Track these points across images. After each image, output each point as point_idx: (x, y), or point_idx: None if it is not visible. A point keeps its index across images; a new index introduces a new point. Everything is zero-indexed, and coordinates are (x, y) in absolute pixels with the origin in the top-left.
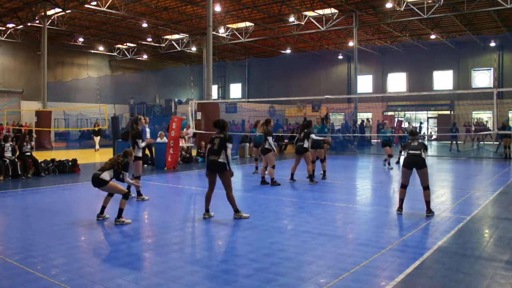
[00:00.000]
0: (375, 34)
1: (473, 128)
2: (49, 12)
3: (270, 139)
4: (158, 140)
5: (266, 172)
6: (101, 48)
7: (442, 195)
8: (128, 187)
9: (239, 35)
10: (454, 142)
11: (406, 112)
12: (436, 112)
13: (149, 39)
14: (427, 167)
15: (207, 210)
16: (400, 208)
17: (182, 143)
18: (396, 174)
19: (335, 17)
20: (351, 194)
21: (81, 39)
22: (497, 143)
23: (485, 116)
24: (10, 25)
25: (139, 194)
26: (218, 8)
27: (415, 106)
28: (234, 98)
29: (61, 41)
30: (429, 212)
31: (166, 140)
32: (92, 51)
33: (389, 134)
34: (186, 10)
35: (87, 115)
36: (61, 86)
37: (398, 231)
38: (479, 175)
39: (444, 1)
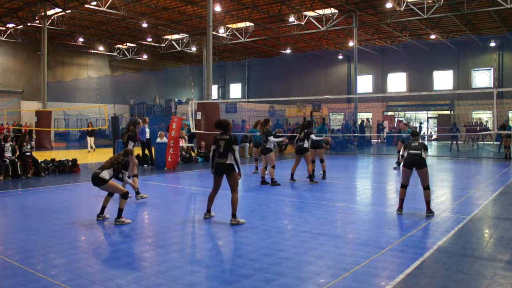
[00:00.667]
0: (375, 34)
1: (477, 128)
2: (49, 12)
3: (271, 138)
4: (158, 140)
5: (266, 172)
6: (101, 48)
7: (442, 195)
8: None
9: (239, 35)
10: (454, 142)
11: (406, 112)
12: (436, 112)
13: (149, 39)
14: (427, 167)
15: (208, 210)
16: (400, 208)
17: (182, 143)
18: (396, 174)
19: (335, 17)
20: (351, 194)
21: (81, 39)
22: (498, 143)
23: (485, 116)
24: (10, 25)
25: (137, 193)
26: (218, 8)
27: (415, 106)
28: (234, 98)
29: (61, 41)
30: (429, 212)
31: (166, 140)
32: (92, 51)
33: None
34: (186, 10)
35: (87, 115)
36: (61, 86)
37: (398, 231)
38: (479, 175)
39: (444, 1)
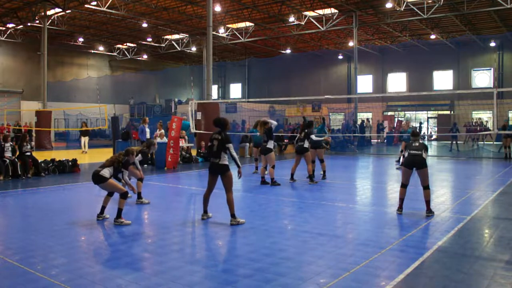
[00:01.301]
0: (375, 34)
1: (477, 128)
2: (49, 12)
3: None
4: (158, 140)
5: (266, 172)
6: (101, 48)
7: (442, 195)
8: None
9: (239, 35)
10: (454, 142)
11: (406, 112)
12: (436, 112)
13: (149, 39)
14: (427, 167)
15: (205, 211)
16: (400, 208)
17: (182, 143)
18: (396, 174)
19: (335, 17)
20: (351, 194)
21: (81, 39)
22: (498, 143)
23: (485, 116)
24: (10, 25)
25: (139, 197)
26: (218, 8)
27: (415, 106)
28: (234, 98)
29: (61, 41)
30: (429, 212)
31: (166, 140)
32: (92, 51)
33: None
34: (186, 10)
35: (87, 115)
36: (61, 86)
37: (398, 231)
38: (479, 175)
39: (444, 1)
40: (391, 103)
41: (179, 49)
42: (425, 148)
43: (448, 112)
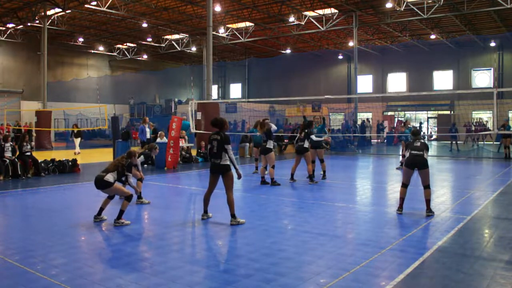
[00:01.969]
0: (375, 34)
1: (473, 128)
2: (49, 12)
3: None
4: (158, 140)
5: (266, 172)
6: (101, 48)
7: (442, 195)
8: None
9: (239, 35)
10: (454, 142)
11: (406, 112)
12: (436, 112)
13: (149, 39)
14: (428, 168)
15: (205, 211)
16: (400, 207)
17: (182, 143)
18: (396, 174)
19: (335, 17)
20: (351, 194)
21: (81, 39)
22: (498, 143)
23: (485, 116)
24: (10, 25)
25: (139, 197)
26: (218, 8)
27: (415, 106)
28: (234, 98)
29: (61, 41)
30: (429, 212)
31: (166, 140)
32: (92, 51)
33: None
34: (186, 10)
35: (87, 115)
36: (61, 86)
37: (398, 231)
38: (479, 175)
39: (444, 1)
40: (391, 103)
41: (179, 49)
42: (427, 148)
43: (448, 112)
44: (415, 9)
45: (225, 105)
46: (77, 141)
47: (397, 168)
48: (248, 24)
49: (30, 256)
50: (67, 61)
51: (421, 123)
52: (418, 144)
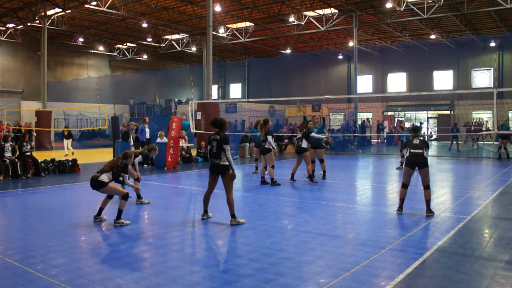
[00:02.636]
0: (375, 34)
1: (473, 128)
2: (49, 12)
3: (269, 137)
4: (158, 140)
5: (266, 172)
6: (101, 48)
7: (442, 195)
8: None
9: (239, 35)
10: (454, 142)
11: (406, 112)
12: (436, 112)
13: (149, 39)
14: (428, 167)
15: (205, 211)
16: (400, 208)
17: (182, 143)
18: (396, 174)
19: (335, 17)
20: (351, 194)
21: (81, 39)
22: (497, 143)
23: (485, 116)
24: (10, 25)
25: (138, 197)
26: (218, 8)
27: (415, 106)
28: (234, 98)
29: (61, 41)
30: (429, 212)
31: (166, 140)
32: (92, 51)
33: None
34: (186, 10)
35: (87, 115)
36: (61, 86)
37: (398, 231)
38: (479, 175)
39: (444, 1)
40: (391, 103)
41: (179, 49)
42: (426, 145)
43: (448, 112)
44: (415, 9)
45: (225, 105)
46: (68, 142)
47: (397, 168)
48: (248, 24)
49: (30, 256)
50: (67, 61)
51: (421, 123)
52: (417, 142)
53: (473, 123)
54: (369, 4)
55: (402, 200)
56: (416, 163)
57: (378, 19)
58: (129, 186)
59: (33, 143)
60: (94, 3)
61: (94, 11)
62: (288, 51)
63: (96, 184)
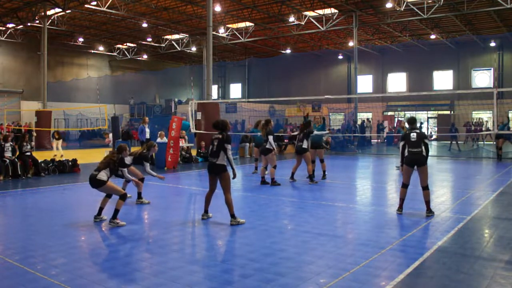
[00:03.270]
0: (375, 34)
1: (473, 128)
2: (49, 12)
3: (270, 138)
4: (158, 140)
5: (266, 172)
6: (101, 48)
7: (442, 195)
8: (124, 188)
9: (239, 35)
10: (454, 142)
11: (406, 112)
12: (436, 112)
13: (149, 39)
14: (427, 165)
15: (206, 211)
16: (400, 208)
17: (182, 143)
18: (395, 174)
19: (335, 17)
20: (351, 194)
21: (81, 39)
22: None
23: (485, 116)
24: (10, 25)
25: (139, 196)
26: (218, 8)
27: (415, 106)
28: (234, 98)
29: (61, 41)
30: (429, 212)
31: (166, 140)
32: (92, 51)
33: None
34: (186, 10)
35: (87, 115)
36: (61, 86)
37: (398, 231)
38: (479, 175)
39: (444, 1)
40: (391, 103)
41: (179, 49)
42: (424, 137)
43: (448, 112)
44: (415, 9)
45: (225, 105)
46: (58, 143)
47: (396, 168)
48: (248, 24)
49: (30, 256)
50: (67, 61)
51: (421, 123)
52: (415, 137)
53: (473, 123)
54: (369, 4)
55: (402, 200)
56: (415, 162)
57: (378, 19)
58: (130, 180)
59: (33, 143)
60: (94, 3)
61: (94, 11)
62: (288, 51)
63: (95, 183)
